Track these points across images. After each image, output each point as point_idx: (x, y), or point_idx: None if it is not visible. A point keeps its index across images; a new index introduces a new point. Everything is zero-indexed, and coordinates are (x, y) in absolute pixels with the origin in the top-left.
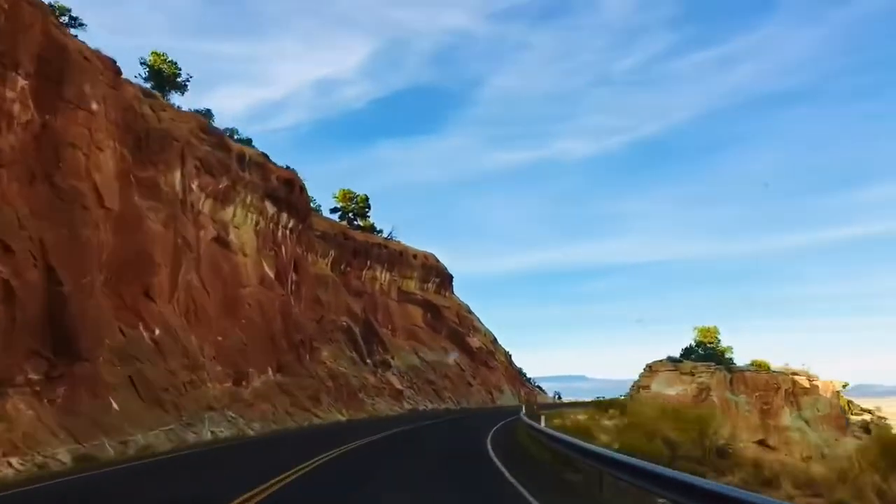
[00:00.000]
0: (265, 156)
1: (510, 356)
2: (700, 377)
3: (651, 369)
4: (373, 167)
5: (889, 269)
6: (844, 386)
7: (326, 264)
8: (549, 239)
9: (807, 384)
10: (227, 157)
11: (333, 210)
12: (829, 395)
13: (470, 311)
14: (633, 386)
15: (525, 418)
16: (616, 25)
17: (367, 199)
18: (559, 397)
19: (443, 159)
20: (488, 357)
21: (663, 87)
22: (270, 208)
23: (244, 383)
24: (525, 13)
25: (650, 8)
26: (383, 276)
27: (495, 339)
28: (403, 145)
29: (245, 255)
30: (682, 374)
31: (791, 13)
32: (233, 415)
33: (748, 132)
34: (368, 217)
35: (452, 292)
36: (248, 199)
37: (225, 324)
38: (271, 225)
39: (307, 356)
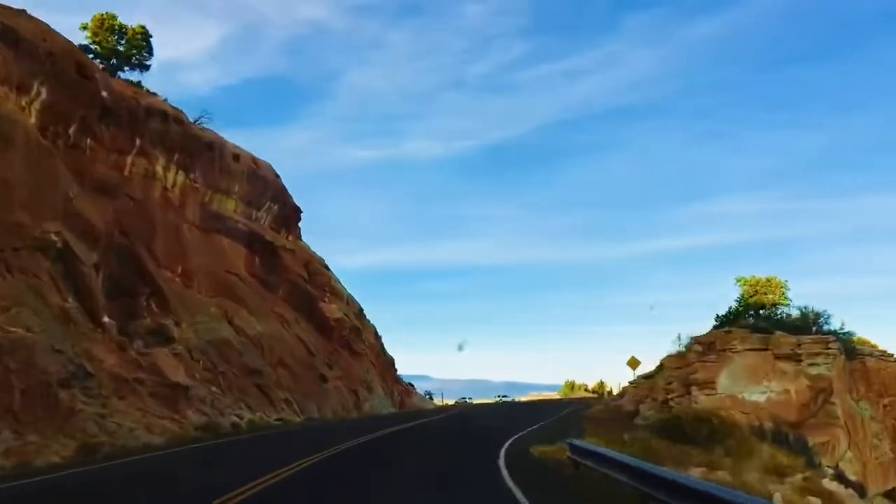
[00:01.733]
0: None
1: (381, 338)
2: (814, 365)
3: (711, 346)
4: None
5: (717, 279)
6: None
7: (24, 106)
8: (399, 238)
9: None
10: None
11: (85, 50)
12: None
13: (326, 267)
14: (660, 376)
15: None
16: (471, 31)
17: (145, 34)
18: (431, 397)
19: (294, 152)
20: (353, 337)
21: (515, 94)
22: None
23: None
24: (382, 10)
25: (504, 16)
26: (172, 175)
27: (362, 311)
28: (253, 135)
29: None
30: (776, 357)
31: (636, 32)
32: None
33: (595, 143)
34: (148, 68)
35: (300, 236)
36: None
37: None
38: None
39: None
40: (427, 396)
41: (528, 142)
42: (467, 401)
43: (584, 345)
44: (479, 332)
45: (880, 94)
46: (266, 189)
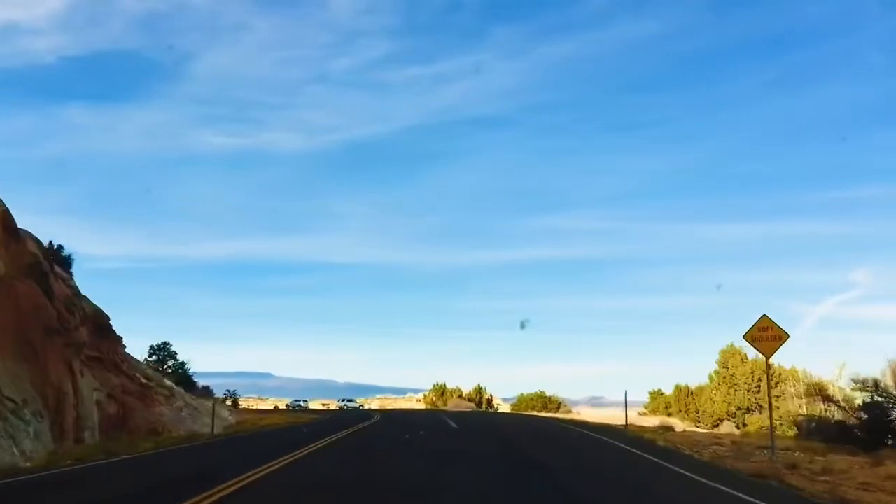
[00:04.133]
0: None
1: (51, 251)
2: None
3: None
4: (63, 129)
5: (562, 292)
6: None
7: None
8: (252, 230)
9: None
10: None
11: None
12: None
13: None
14: None
15: None
16: (339, 24)
17: None
18: (235, 400)
19: (145, 132)
20: None
21: (381, 93)
22: None
23: None
24: None
25: (373, 14)
26: None
27: None
28: (100, 111)
29: None
30: None
31: (501, 44)
32: None
33: (455, 150)
34: None
35: None
36: None
37: None
38: None
39: None
40: (227, 399)
41: (391, 142)
42: (302, 405)
43: (434, 349)
44: (325, 331)
45: (720, 125)
46: None
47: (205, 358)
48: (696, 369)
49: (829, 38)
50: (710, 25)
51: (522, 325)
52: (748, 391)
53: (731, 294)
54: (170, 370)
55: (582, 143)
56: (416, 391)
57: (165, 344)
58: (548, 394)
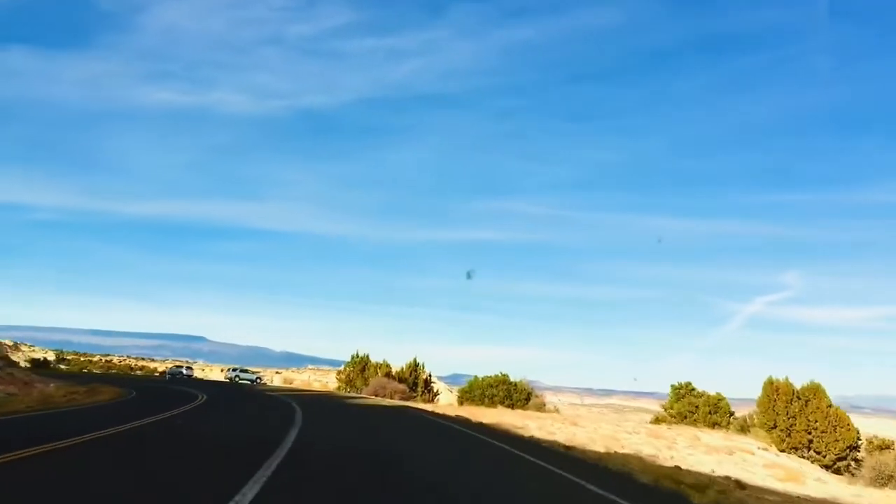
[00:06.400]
0: None
1: None
2: None
3: None
4: (2, 73)
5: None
6: None
7: None
8: (193, 191)
9: None
10: None
11: None
12: None
13: None
14: None
15: None
16: None
17: None
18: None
19: (89, 83)
20: None
21: (335, 62)
22: None
23: None
24: None
25: None
26: None
27: None
28: (42, 57)
29: None
30: None
31: (458, 23)
32: None
33: (406, 126)
34: None
35: None
36: None
37: None
38: None
39: None
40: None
41: (342, 114)
42: (184, 373)
43: (373, 323)
44: (264, 299)
45: (669, 121)
46: None
47: (130, 317)
48: (637, 363)
49: (778, 43)
50: (665, 22)
51: (469, 275)
52: None
53: (667, 289)
54: None
55: (533, 129)
56: None
57: None
58: (512, 378)
